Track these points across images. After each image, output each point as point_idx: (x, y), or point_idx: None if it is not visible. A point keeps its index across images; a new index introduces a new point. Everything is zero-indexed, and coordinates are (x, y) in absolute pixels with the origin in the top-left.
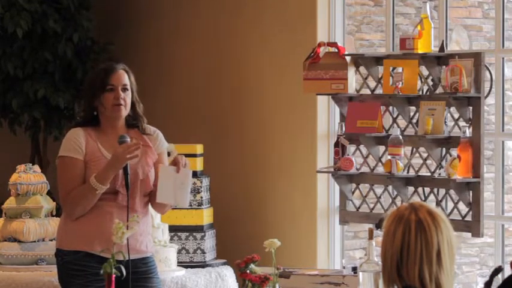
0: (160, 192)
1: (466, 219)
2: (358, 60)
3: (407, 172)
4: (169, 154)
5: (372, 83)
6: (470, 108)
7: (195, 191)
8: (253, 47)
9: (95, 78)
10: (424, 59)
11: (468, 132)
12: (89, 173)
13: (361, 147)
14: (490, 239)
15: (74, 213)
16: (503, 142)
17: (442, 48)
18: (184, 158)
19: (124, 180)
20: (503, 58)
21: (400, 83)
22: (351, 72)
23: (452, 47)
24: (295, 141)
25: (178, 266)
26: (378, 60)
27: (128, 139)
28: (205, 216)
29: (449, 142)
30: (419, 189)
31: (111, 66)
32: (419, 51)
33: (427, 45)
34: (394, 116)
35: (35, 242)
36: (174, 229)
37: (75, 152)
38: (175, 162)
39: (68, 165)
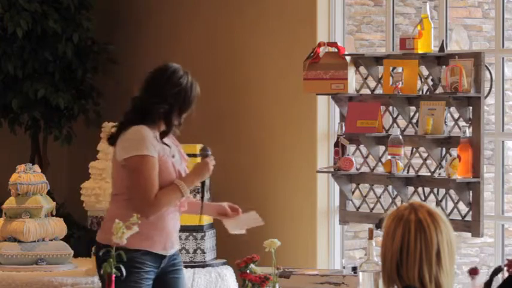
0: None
1: (466, 219)
2: (358, 60)
3: (407, 172)
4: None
5: (371, 83)
6: (470, 108)
7: (195, 191)
8: (253, 47)
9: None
10: (424, 59)
11: (468, 132)
12: (160, 175)
13: (361, 147)
14: (490, 239)
15: (157, 214)
16: (503, 142)
17: (442, 48)
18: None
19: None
20: (503, 58)
21: (400, 83)
22: (351, 72)
23: (452, 47)
24: (295, 141)
25: None
26: (378, 60)
27: (210, 152)
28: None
29: (449, 142)
30: (419, 189)
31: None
32: (419, 51)
33: (427, 45)
34: (394, 116)
35: (35, 242)
36: None
37: (155, 152)
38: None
39: (152, 165)
